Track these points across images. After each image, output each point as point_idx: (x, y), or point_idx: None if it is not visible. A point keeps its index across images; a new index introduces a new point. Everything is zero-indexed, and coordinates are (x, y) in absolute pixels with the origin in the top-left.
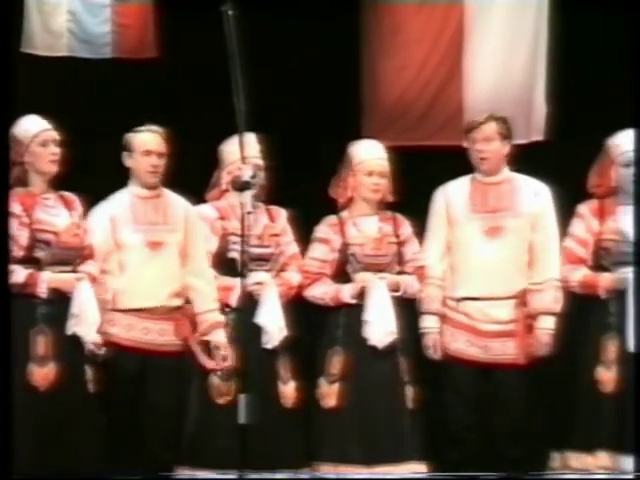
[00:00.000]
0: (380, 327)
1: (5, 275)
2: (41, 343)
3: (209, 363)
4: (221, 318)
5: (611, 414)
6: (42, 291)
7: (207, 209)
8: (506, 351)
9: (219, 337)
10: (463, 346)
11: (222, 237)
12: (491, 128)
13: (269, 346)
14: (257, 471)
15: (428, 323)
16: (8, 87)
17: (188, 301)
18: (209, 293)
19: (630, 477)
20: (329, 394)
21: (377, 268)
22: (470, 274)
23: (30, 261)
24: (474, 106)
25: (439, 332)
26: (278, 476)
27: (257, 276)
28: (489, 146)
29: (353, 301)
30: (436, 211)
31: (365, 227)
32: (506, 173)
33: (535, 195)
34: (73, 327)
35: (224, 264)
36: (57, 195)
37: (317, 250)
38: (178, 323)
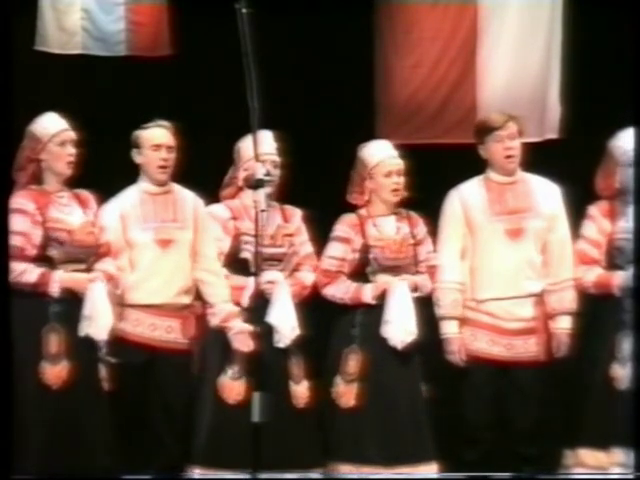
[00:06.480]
0: (400, 327)
1: (5, 273)
2: (54, 341)
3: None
4: (236, 308)
5: (626, 411)
6: (54, 290)
7: (220, 209)
8: (528, 349)
9: (240, 324)
10: (486, 345)
11: (234, 237)
12: (514, 126)
13: (281, 345)
14: (268, 471)
15: (450, 328)
16: (10, 85)
17: (197, 299)
18: (221, 285)
19: (630, 477)
20: (346, 394)
21: (397, 270)
22: (493, 276)
23: (43, 259)
24: (488, 104)
25: (461, 336)
26: (291, 476)
27: (269, 275)
28: (515, 143)
29: (374, 302)
30: (452, 215)
31: (385, 228)
32: (519, 173)
33: (551, 195)
34: (86, 329)
35: (236, 264)
36: (71, 193)
37: (337, 249)
38: (185, 321)
